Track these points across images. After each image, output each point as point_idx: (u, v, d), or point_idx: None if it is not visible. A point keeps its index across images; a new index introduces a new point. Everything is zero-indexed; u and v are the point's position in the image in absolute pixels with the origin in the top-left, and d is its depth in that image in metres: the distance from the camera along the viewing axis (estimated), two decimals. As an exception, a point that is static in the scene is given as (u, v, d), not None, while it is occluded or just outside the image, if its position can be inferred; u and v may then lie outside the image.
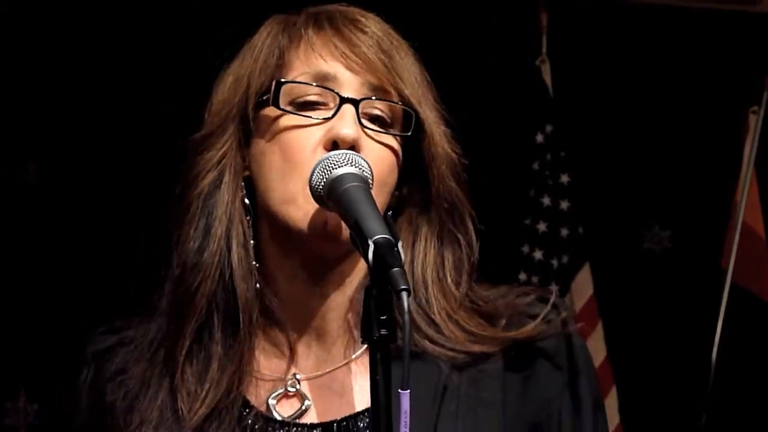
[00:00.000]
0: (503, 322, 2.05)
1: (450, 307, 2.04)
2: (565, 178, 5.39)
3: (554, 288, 2.17)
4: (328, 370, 2.06)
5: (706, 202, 5.54)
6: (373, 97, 2.02)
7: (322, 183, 1.94)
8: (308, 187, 1.95)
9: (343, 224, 1.93)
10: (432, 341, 2.02)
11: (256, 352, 2.06)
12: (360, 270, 2.05)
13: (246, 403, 2.03)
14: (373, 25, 2.06)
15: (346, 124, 1.98)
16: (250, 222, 2.05)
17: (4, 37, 5.03)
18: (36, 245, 5.04)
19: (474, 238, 2.09)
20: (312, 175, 1.95)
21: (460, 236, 2.08)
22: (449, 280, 2.05)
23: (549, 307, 2.06)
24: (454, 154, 2.08)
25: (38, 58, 5.06)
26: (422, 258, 2.06)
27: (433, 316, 2.03)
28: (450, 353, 2.01)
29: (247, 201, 2.05)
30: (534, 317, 2.04)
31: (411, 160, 2.07)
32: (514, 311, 2.06)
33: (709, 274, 5.36)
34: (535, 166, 5.40)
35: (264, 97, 2.03)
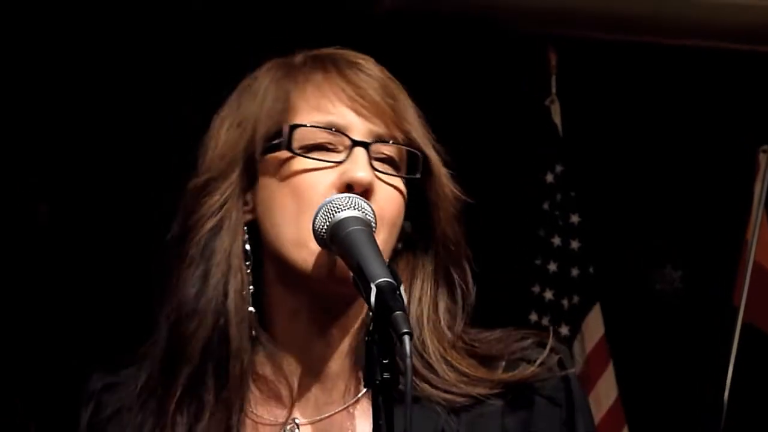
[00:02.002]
0: (502, 364, 2.04)
1: (443, 347, 2.03)
2: (575, 218, 5.40)
3: (550, 331, 2.14)
4: (327, 414, 2.04)
5: (717, 241, 5.53)
6: (383, 141, 2.02)
7: (325, 227, 1.94)
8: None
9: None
10: (429, 384, 2.01)
11: (254, 397, 2.04)
12: (361, 314, 2.05)
13: None
14: (374, 67, 2.06)
15: (360, 167, 1.98)
16: (250, 267, 2.03)
17: (15, 82, 5.05)
18: (45, 286, 5.03)
19: (470, 280, 2.08)
20: (315, 218, 1.95)
21: (457, 278, 2.07)
22: (442, 322, 2.05)
23: (546, 351, 2.05)
24: (458, 196, 2.08)
25: (48, 104, 5.08)
26: (418, 299, 2.06)
27: (428, 358, 2.02)
28: (447, 396, 2.00)
29: (248, 246, 2.03)
30: (532, 362, 2.03)
31: (413, 200, 2.06)
32: (512, 355, 2.05)
33: (721, 314, 5.33)
34: (545, 206, 5.41)
35: (274, 141, 2.01)
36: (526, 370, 2.02)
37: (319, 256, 1.96)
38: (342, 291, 1.98)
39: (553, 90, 5.43)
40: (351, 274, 1.91)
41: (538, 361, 2.03)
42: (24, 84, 5.07)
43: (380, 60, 2.08)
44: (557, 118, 5.44)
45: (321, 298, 2.01)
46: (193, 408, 2.00)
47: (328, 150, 2.00)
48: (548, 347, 2.05)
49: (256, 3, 5.08)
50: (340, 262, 1.94)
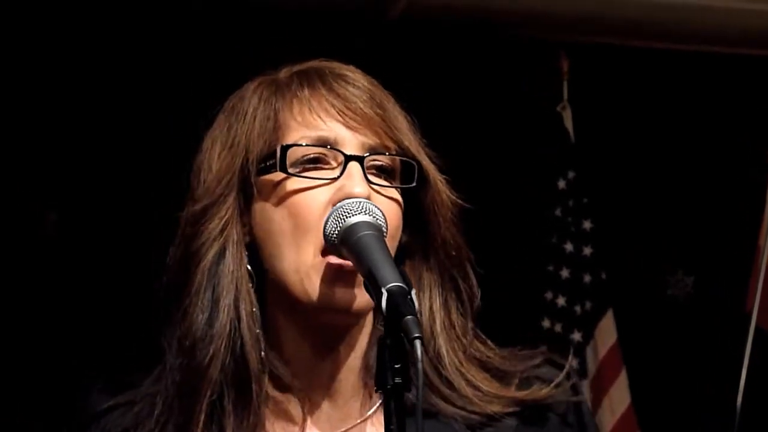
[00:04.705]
0: (516, 381, 2.04)
1: (459, 359, 2.02)
2: (587, 224, 5.41)
3: (570, 359, 2.13)
4: (342, 429, 2.03)
5: (729, 247, 5.53)
6: (376, 153, 2.01)
7: (336, 231, 1.92)
8: (320, 253, 1.95)
9: (355, 296, 1.94)
10: (446, 400, 2.00)
11: (267, 421, 2.02)
12: (369, 328, 2.04)
13: None
14: (361, 78, 2.05)
15: (356, 182, 1.97)
16: (254, 288, 2.02)
17: (22, 89, 5.07)
18: (53, 297, 5.03)
19: (475, 283, 2.07)
20: (326, 223, 1.94)
21: (461, 282, 2.06)
22: (457, 329, 2.04)
23: (564, 372, 2.06)
24: (455, 201, 2.07)
25: (55, 113, 5.09)
26: (429, 308, 2.04)
27: (444, 372, 2.01)
28: (463, 413, 2.00)
29: (249, 268, 2.02)
30: (545, 380, 2.04)
31: (410, 208, 2.05)
32: (524, 373, 2.05)
33: (733, 319, 5.31)
34: (558, 212, 5.42)
35: (267, 163, 2.00)
36: (540, 390, 2.02)
37: (319, 287, 1.96)
38: (340, 321, 1.99)
39: (565, 96, 5.44)
40: (354, 302, 1.94)
41: (554, 383, 2.03)
42: (32, 91, 5.08)
43: (392, 66, 2.08)
44: (569, 124, 5.45)
45: (321, 325, 2.01)
46: None
47: (322, 165, 2.00)
48: (562, 368, 2.07)
49: (267, 9, 5.09)
50: (340, 292, 1.95)
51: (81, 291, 5.02)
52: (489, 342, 2.07)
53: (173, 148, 4.81)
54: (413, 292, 1.82)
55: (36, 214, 5.09)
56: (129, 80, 5.13)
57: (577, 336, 5.34)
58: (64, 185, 5.11)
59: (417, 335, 1.73)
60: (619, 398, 5.29)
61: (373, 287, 1.83)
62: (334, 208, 1.94)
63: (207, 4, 5.15)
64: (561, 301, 5.36)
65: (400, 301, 1.78)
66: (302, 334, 2.01)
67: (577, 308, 5.35)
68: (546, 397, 2.02)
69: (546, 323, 5.33)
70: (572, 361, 2.13)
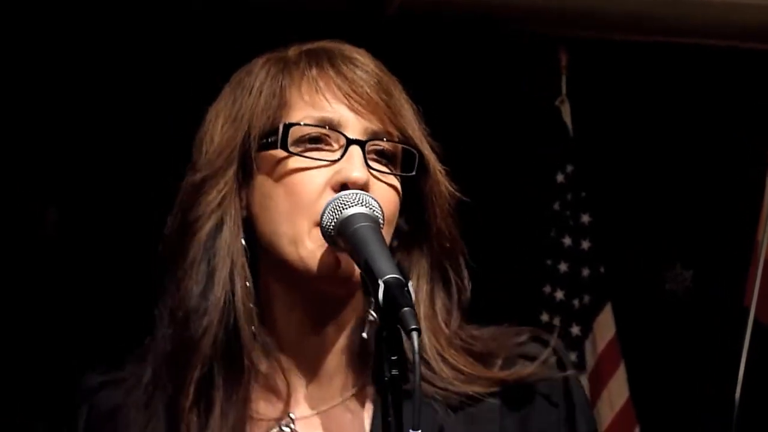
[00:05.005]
0: (499, 362, 2.04)
1: (440, 345, 2.02)
2: (586, 218, 5.43)
3: (555, 333, 2.12)
4: (323, 409, 2.03)
5: (727, 241, 5.55)
6: (378, 138, 2.01)
7: (333, 223, 1.93)
8: (317, 228, 1.95)
9: (353, 265, 1.92)
10: (426, 381, 2.00)
11: (255, 395, 2.03)
12: (357, 311, 2.04)
13: None
14: (369, 62, 2.05)
15: (356, 166, 1.97)
16: (248, 264, 2.03)
17: (22, 88, 5.07)
18: (53, 296, 5.04)
19: (466, 276, 2.07)
20: (323, 215, 1.94)
21: (452, 274, 2.06)
22: (439, 318, 2.04)
23: (549, 350, 2.05)
24: (453, 193, 2.07)
25: (55, 113, 5.10)
26: (415, 296, 2.03)
27: (425, 355, 2.01)
28: (444, 393, 2.00)
29: (244, 242, 2.02)
30: (529, 358, 2.04)
31: (408, 196, 2.06)
32: (509, 352, 2.05)
33: (731, 313, 5.32)
34: (556, 206, 5.44)
35: (269, 139, 2.01)
36: (524, 368, 2.02)
37: (317, 254, 1.96)
38: (337, 291, 2.00)
39: (564, 90, 5.47)
40: (353, 271, 1.93)
41: (538, 361, 2.03)
42: (32, 91, 5.08)
43: (391, 61, 2.06)
44: (567, 119, 5.47)
45: (316, 296, 2.01)
46: (203, 405, 1.99)
47: (323, 146, 2.00)
48: (549, 345, 2.05)
49: (264, 7, 5.09)
50: (342, 260, 1.95)
51: (81, 291, 5.03)
52: (474, 330, 2.07)
53: (172, 148, 4.88)
54: (410, 284, 1.85)
55: (36, 214, 5.10)
56: (128, 80, 5.13)
57: (575, 330, 5.36)
58: (64, 185, 5.11)
59: (414, 327, 1.75)
60: (617, 392, 5.32)
61: (370, 278, 1.84)
62: (331, 199, 1.95)
63: (203, 2, 5.15)
64: (559, 294, 5.38)
65: (397, 292, 1.79)
66: (294, 311, 2.02)
67: (576, 302, 5.37)
68: (530, 375, 2.02)
69: (545, 317, 5.34)
70: (558, 339, 2.09)
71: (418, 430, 1.73)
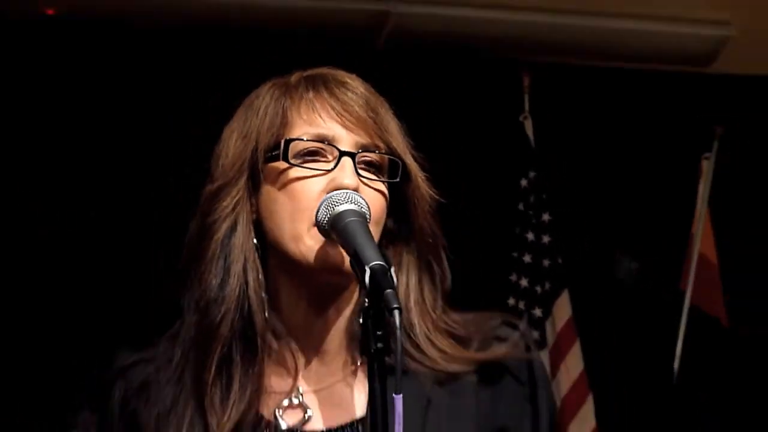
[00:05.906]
0: (475, 344, 2.11)
1: (428, 328, 2.10)
2: (546, 217, 5.58)
3: (521, 315, 2.17)
4: (327, 384, 2.12)
5: (667, 235, 5.70)
6: (367, 150, 2.09)
7: (326, 218, 2.02)
8: (314, 226, 2.04)
9: (344, 257, 2.00)
10: (414, 360, 2.09)
11: (268, 370, 2.11)
12: (354, 298, 2.12)
13: (259, 416, 2.10)
14: (359, 85, 2.13)
15: (347, 174, 2.05)
16: (259, 259, 2.11)
17: (22, 96, 5.07)
18: (53, 296, 5.04)
19: (447, 267, 2.15)
20: (318, 211, 2.03)
21: (436, 266, 2.14)
22: (428, 303, 2.12)
23: (517, 332, 2.13)
24: (432, 196, 2.15)
25: (55, 114, 5.12)
26: (405, 285, 2.12)
27: (414, 338, 2.09)
28: (430, 370, 2.08)
29: (255, 241, 2.10)
30: (501, 340, 2.12)
31: (395, 200, 2.14)
32: (484, 335, 2.13)
33: (670, 297, 5.59)
34: (521, 206, 5.58)
35: (273, 153, 2.09)
36: (497, 350, 2.11)
37: (314, 248, 2.04)
38: (334, 279, 2.07)
39: (527, 107, 5.59)
40: (344, 262, 2.00)
41: (509, 342, 2.12)
42: (32, 92, 5.09)
43: (379, 85, 2.18)
44: (530, 132, 5.60)
45: (317, 285, 2.08)
46: (225, 379, 2.08)
47: (319, 158, 2.07)
48: (517, 330, 2.15)
49: (261, 37, 5.17)
50: (334, 253, 2.03)
51: (81, 290, 5.05)
52: (455, 315, 2.14)
53: (171, 153, 5.10)
54: (392, 269, 1.90)
55: (36, 214, 5.03)
56: (129, 84, 5.16)
57: (537, 312, 5.49)
58: (64, 184, 5.12)
59: (396, 306, 1.83)
60: (573, 365, 5.46)
61: (358, 265, 1.92)
62: (324, 198, 2.03)
63: (200, 31, 5.19)
64: (524, 282, 5.52)
65: (381, 277, 1.87)
66: (299, 299, 2.10)
67: (538, 288, 5.52)
68: (502, 356, 2.10)
69: (511, 301, 5.48)
70: (525, 324, 2.19)
71: (400, 394, 1.82)
